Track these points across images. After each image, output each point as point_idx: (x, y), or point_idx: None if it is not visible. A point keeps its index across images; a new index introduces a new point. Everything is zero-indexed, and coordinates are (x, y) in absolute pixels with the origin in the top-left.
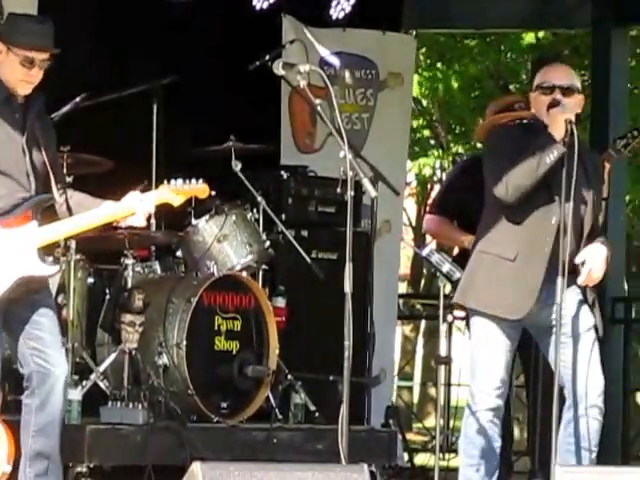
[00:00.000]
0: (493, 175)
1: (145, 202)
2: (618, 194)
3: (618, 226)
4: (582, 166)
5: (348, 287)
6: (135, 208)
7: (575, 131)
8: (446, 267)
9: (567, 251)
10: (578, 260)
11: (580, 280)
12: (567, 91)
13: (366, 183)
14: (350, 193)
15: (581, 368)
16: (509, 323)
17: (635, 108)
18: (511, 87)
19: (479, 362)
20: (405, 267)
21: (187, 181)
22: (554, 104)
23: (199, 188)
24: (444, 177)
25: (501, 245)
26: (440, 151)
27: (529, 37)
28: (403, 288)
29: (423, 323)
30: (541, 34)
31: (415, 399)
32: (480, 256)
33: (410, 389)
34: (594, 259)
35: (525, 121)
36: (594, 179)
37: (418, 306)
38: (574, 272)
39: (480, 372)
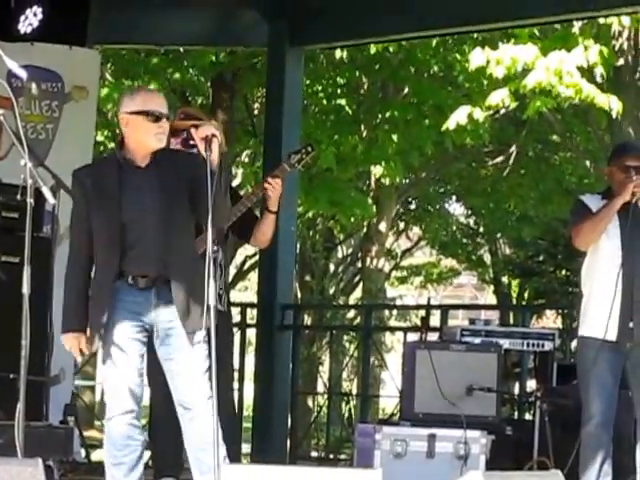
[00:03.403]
0: None
1: None
2: (289, 205)
3: (288, 237)
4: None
5: (26, 289)
6: None
7: (215, 148)
8: None
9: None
10: None
11: None
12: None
13: (45, 190)
14: (30, 200)
15: (188, 376)
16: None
17: (309, 123)
18: (195, 102)
19: (107, 372)
20: None
21: None
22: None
23: None
24: None
25: None
26: None
27: (210, 54)
28: None
29: None
30: (222, 53)
31: (97, 398)
32: None
33: (92, 388)
34: None
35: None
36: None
37: None
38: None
39: (110, 381)
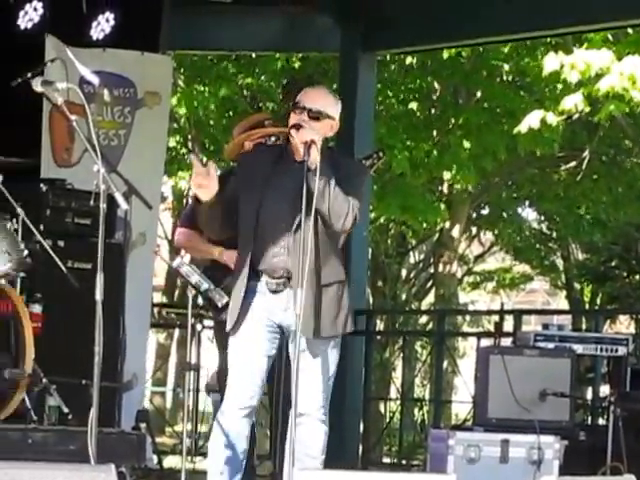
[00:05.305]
0: None
1: None
2: (362, 211)
3: (361, 242)
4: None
5: (99, 295)
6: None
7: (314, 152)
8: (195, 278)
9: (305, 263)
10: None
11: None
12: (315, 114)
13: (118, 196)
14: (102, 206)
15: (303, 380)
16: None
17: (382, 128)
18: (266, 108)
19: (231, 366)
20: (161, 278)
21: None
22: (295, 127)
23: None
24: None
25: None
26: None
27: (281, 60)
28: (159, 298)
29: (177, 331)
30: (294, 58)
31: (168, 404)
32: None
33: (163, 394)
34: None
35: (275, 140)
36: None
37: (172, 315)
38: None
39: (231, 376)
